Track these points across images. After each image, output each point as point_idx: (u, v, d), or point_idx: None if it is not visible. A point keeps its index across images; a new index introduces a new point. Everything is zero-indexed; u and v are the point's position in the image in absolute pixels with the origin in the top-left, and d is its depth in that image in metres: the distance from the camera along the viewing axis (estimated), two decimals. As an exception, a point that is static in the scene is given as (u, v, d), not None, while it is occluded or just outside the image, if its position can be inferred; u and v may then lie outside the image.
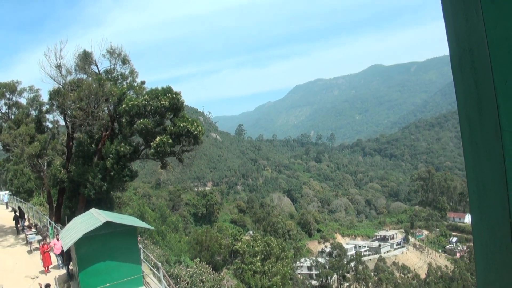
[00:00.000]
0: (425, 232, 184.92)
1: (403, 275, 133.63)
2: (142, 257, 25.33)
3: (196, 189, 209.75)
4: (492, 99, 1.84)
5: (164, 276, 21.95)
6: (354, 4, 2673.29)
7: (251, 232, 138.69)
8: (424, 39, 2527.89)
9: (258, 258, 62.16)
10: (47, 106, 48.03)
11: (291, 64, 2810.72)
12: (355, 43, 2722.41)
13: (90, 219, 25.87)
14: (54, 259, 32.13)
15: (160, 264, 23.23)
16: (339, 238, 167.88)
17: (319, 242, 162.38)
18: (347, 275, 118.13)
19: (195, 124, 41.59)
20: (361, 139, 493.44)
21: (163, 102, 40.69)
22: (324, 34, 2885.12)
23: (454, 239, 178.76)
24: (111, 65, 47.49)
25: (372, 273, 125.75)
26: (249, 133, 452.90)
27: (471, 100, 2.13)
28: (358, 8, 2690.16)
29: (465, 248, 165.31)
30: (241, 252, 67.00)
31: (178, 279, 29.29)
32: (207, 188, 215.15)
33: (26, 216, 49.95)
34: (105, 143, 43.31)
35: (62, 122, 48.59)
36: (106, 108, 44.37)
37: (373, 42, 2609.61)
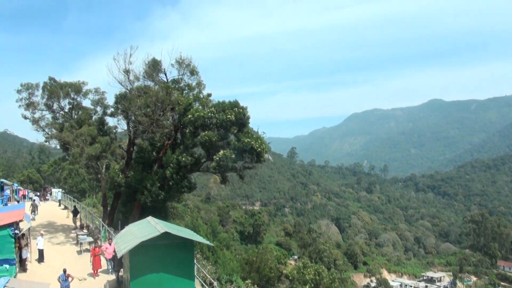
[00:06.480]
0: (474, 278, 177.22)
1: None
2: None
3: (244, 207, 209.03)
4: None
5: (219, 295, 20.92)
6: (417, 36, 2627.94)
7: (295, 257, 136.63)
8: (486, 78, 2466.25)
9: (307, 287, 60.40)
10: (112, 109, 48.24)
11: (349, 91, 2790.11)
12: (416, 76, 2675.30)
13: (147, 228, 25.30)
14: (103, 263, 31.69)
15: (215, 283, 22.24)
16: (385, 274, 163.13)
17: (364, 276, 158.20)
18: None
19: (259, 141, 40.72)
20: (415, 174, 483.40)
21: (229, 116, 40.06)
22: (385, 63, 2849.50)
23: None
24: (179, 75, 47.61)
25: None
26: (301, 156, 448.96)
27: None
28: (421, 40, 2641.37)
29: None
30: (290, 277, 65.37)
31: (230, 299, 28.29)
32: (255, 208, 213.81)
33: (78, 216, 50.20)
34: (167, 152, 42.95)
35: (122, 127, 48.73)
36: (171, 117, 44.15)
37: (434, 76, 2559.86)
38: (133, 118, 44.23)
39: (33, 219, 49.84)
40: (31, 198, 63.29)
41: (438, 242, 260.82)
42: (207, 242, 26.61)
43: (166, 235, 22.63)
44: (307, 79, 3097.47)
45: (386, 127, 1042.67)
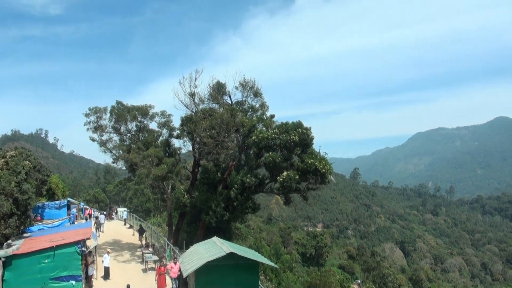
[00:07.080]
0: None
1: None
2: (260, 295, 24.30)
3: (306, 229, 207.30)
4: None
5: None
6: (481, 52, 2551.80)
7: (359, 281, 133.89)
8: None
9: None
10: (178, 131, 49.27)
11: (413, 110, 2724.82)
12: (481, 93, 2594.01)
13: (213, 248, 25.40)
14: (168, 282, 32.05)
15: (281, 306, 22.06)
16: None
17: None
18: None
19: (323, 162, 40.43)
20: (482, 195, 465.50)
21: (293, 136, 40.14)
22: (450, 81, 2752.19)
23: None
24: (243, 97, 48.17)
25: None
26: (364, 177, 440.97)
27: None
28: (485, 57, 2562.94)
29: None
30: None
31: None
32: (317, 229, 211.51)
33: (144, 235, 51.16)
34: (231, 173, 43.36)
35: (187, 148, 49.67)
36: (235, 138, 44.67)
37: (500, 93, 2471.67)
38: (198, 139, 45.14)
39: (98, 235, 51.18)
40: (96, 217, 65.02)
41: (505, 268, 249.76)
42: (272, 264, 26.51)
43: (231, 255, 22.67)
44: (369, 99, 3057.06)
45: (451, 146, 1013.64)
